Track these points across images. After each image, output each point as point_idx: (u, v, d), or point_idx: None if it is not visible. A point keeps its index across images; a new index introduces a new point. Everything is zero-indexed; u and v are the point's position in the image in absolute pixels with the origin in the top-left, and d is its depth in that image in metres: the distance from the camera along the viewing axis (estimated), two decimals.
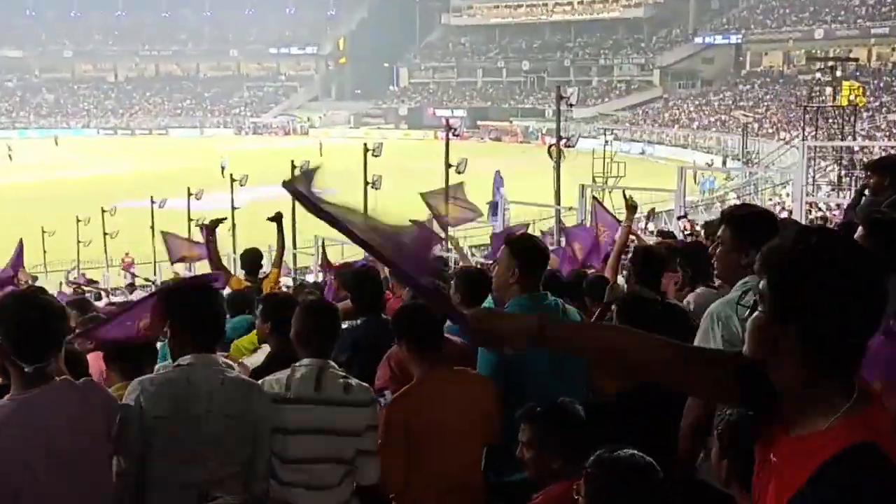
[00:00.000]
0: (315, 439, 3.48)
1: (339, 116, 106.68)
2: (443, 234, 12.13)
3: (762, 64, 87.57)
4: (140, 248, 31.72)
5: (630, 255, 5.74)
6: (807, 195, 17.93)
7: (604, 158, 40.35)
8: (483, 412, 3.77)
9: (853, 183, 28.74)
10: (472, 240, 22.62)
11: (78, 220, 34.13)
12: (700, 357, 1.97)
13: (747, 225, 3.33)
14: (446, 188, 14.22)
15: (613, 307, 4.53)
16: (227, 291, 7.11)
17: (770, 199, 33.19)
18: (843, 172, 31.75)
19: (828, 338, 1.59)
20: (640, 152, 68.78)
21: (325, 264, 13.63)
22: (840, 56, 61.64)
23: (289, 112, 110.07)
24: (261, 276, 8.28)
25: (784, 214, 18.08)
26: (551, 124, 55.82)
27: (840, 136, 34.08)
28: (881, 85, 66.20)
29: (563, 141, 26.94)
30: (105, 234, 33.78)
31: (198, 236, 20.18)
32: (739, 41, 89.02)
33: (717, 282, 5.49)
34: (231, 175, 36.11)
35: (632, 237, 12.81)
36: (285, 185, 2.10)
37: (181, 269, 22.02)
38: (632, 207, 7.76)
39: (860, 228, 3.47)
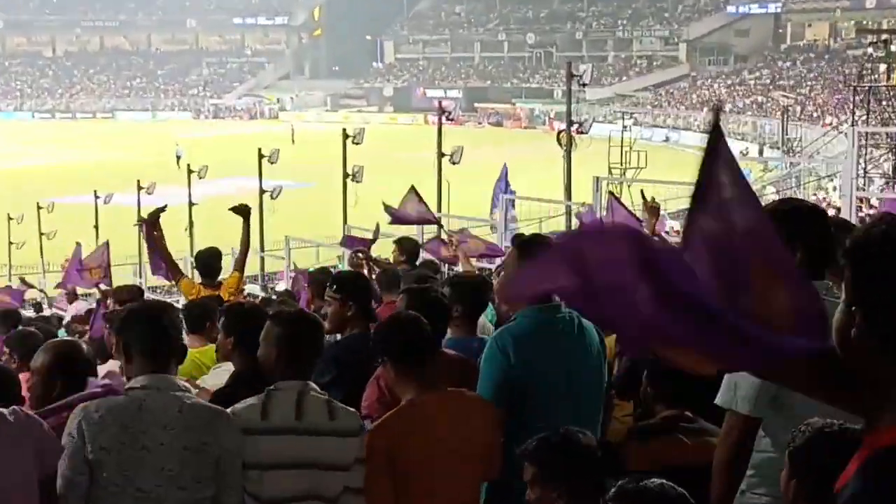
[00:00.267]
0: (296, 475, 3.47)
1: (314, 98, 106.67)
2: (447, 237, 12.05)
3: (805, 37, 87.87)
4: (83, 248, 31.57)
5: None
6: (857, 189, 17.74)
7: (621, 147, 40.32)
8: (482, 442, 3.77)
9: None
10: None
11: (10, 219, 34.04)
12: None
13: (793, 220, 3.28)
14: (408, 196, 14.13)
15: None
16: (182, 302, 7.07)
17: (814, 194, 33.22)
18: None
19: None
20: (664, 139, 68.90)
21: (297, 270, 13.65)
22: (895, 28, 61.86)
23: (255, 93, 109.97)
24: (222, 280, 8.25)
25: (831, 212, 18.01)
26: (561, 107, 55.85)
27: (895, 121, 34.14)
28: None
29: (575, 126, 26.92)
30: (41, 234, 33.68)
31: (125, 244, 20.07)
32: (779, 10, 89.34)
33: None
34: (188, 166, 36.06)
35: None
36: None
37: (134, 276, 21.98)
38: (653, 210, 7.77)
39: None
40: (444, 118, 28.11)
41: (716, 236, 1.80)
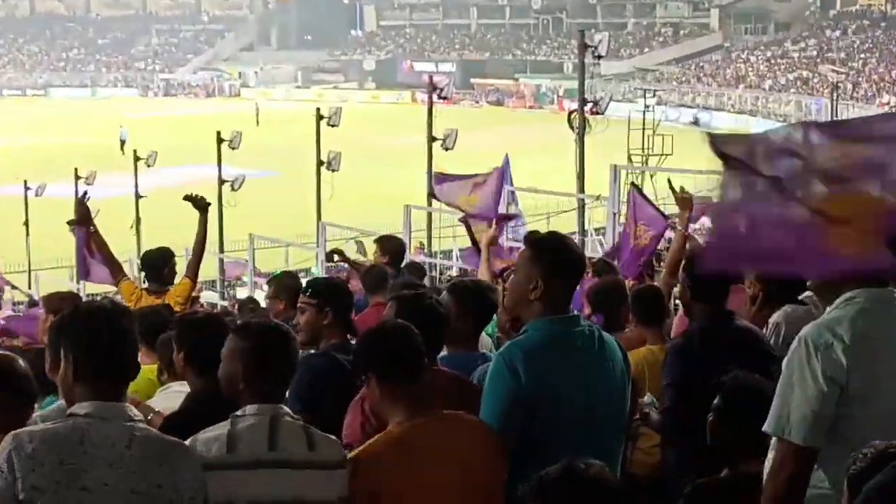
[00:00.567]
0: None
1: (282, 72, 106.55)
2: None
3: (858, 1, 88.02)
4: (9, 248, 31.56)
5: (683, 262, 5.75)
6: None
7: (643, 130, 40.32)
8: (483, 476, 3.74)
9: None
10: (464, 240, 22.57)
11: None
12: None
13: None
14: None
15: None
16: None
17: None
18: None
19: None
20: (693, 121, 68.89)
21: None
22: None
23: (213, 66, 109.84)
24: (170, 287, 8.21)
25: None
26: (572, 83, 55.76)
27: None
28: None
29: (589, 106, 26.89)
30: None
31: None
32: None
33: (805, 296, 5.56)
34: (134, 152, 36.04)
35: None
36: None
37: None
38: (685, 201, 7.76)
39: None
40: (434, 96, 28.04)
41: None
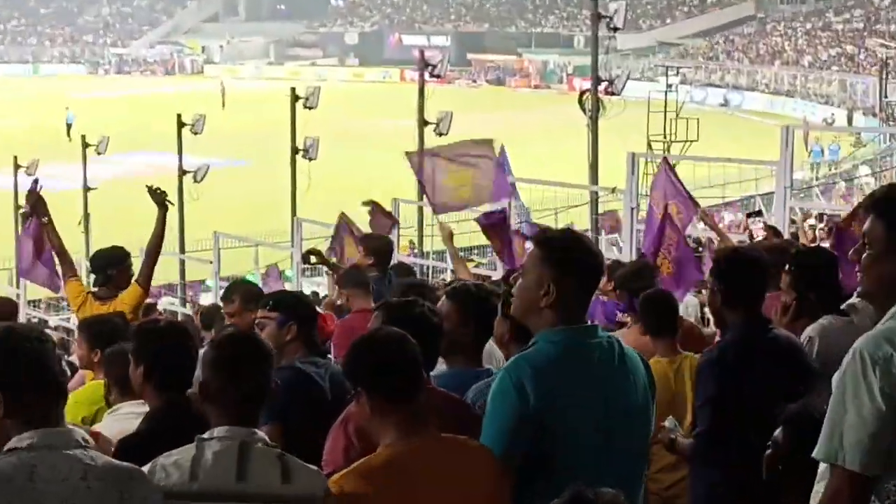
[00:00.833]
0: None
1: (252, 46, 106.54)
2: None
3: None
4: None
5: (712, 265, 5.77)
6: None
7: (664, 112, 40.38)
8: None
9: None
10: (468, 238, 22.50)
11: None
12: None
13: None
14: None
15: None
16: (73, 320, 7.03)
17: None
18: None
19: None
20: (722, 103, 69.03)
21: None
22: None
23: (172, 39, 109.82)
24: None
25: None
26: (584, 59, 55.77)
27: None
28: None
29: (603, 85, 26.93)
30: None
31: None
32: None
33: (847, 306, 5.56)
34: (83, 137, 35.97)
35: (709, 233, 12.92)
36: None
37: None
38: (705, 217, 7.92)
39: None
40: (426, 74, 28.07)
41: None
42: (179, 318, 16.07)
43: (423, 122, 25.91)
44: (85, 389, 6.05)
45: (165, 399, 4.33)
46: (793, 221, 17.42)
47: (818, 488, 3.35)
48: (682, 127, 39.68)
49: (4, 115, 66.84)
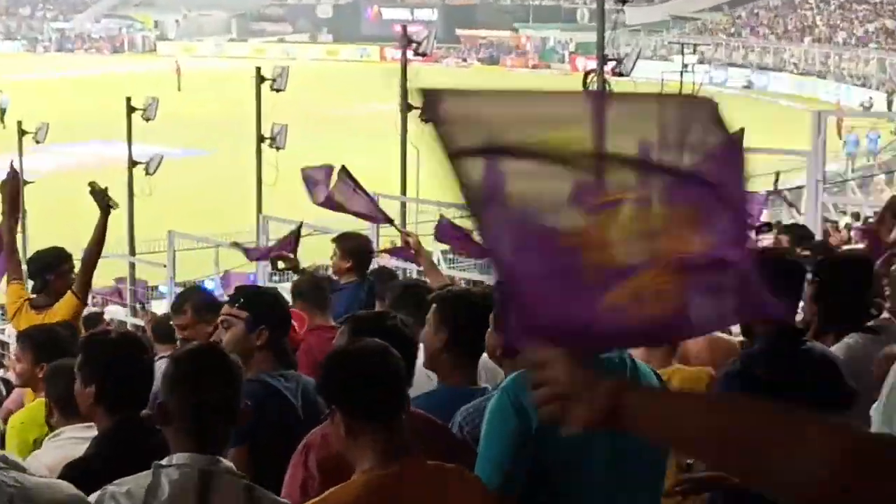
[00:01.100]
0: None
1: (212, 20, 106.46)
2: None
3: None
4: None
5: None
6: None
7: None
8: None
9: None
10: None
11: None
12: None
13: None
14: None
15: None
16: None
17: None
18: None
19: None
20: (745, 85, 69.11)
21: None
22: None
23: (120, 12, 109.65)
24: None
25: None
26: (588, 35, 55.75)
27: None
28: None
29: (610, 65, 26.99)
30: None
31: None
32: None
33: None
34: (18, 124, 35.86)
35: None
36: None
37: None
38: None
39: None
40: (410, 52, 28.05)
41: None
42: (129, 330, 16.05)
43: (406, 108, 25.87)
44: (31, 408, 6.03)
45: (117, 420, 4.32)
46: (826, 220, 17.40)
47: None
48: None
49: None
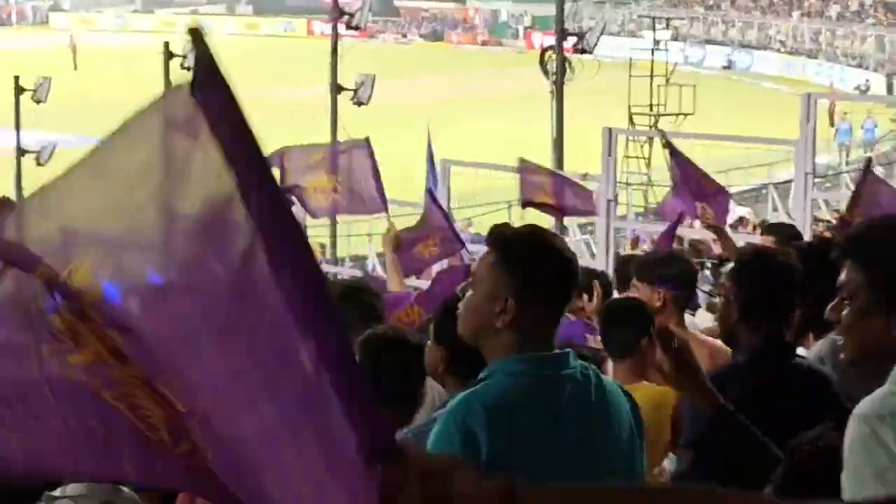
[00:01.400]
0: None
1: None
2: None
3: None
4: None
5: (730, 269, 5.81)
6: None
7: (651, 77, 40.67)
8: None
9: None
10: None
11: None
12: None
13: None
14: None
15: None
16: None
17: None
18: None
19: None
20: (725, 65, 69.55)
21: None
22: None
23: None
24: None
25: None
26: (545, 8, 55.79)
27: None
28: None
29: (571, 42, 27.11)
30: None
31: None
32: None
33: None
34: None
35: (710, 236, 13.04)
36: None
37: None
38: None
39: None
40: (341, 26, 28.09)
41: None
42: None
43: (336, 89, 25.90)
44: None
45: None
46: (816, 219, 17.47)
47: None
48: (674, 96, 40.00)
49: None
